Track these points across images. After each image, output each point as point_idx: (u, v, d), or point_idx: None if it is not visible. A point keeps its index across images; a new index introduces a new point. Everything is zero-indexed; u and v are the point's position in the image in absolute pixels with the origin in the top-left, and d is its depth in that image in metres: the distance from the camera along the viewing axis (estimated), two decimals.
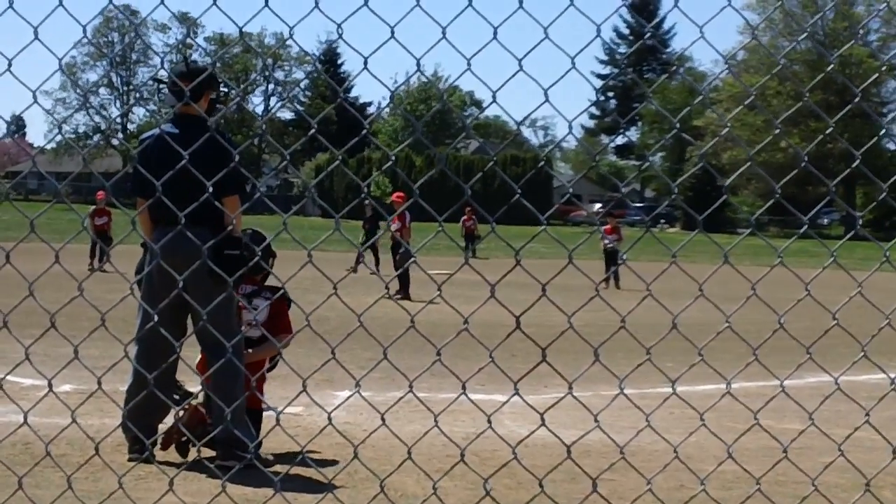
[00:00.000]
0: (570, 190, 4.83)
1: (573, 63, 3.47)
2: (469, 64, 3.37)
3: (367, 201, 38.90)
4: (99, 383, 4.03)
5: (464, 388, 3.71)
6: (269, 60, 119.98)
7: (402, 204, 24.94)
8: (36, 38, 3.84)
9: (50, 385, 4.27)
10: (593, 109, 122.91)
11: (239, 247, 7.43)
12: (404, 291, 24.23)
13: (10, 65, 3.86)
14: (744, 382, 8.97)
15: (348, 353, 11.43)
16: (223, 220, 7.44)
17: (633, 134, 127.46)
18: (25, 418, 4.40)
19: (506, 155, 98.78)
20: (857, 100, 4.61)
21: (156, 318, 6.96)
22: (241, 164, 5.63)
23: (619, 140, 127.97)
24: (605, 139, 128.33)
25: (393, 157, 3.61)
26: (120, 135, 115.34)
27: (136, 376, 7.61)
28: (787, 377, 4.99)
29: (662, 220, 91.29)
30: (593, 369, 4.39)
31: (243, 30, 4.06)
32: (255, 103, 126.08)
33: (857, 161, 4.04)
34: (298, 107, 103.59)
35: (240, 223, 7.87)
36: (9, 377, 7.03)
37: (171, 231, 7.18)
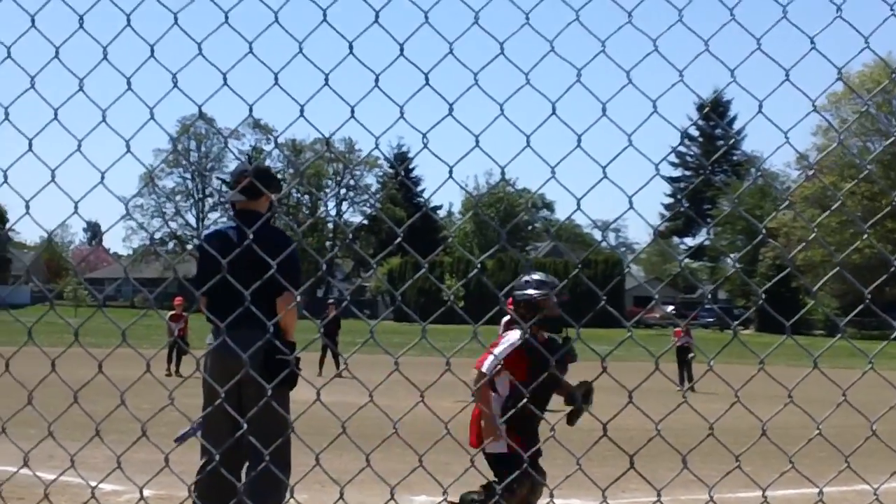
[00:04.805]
0: (657, 296, 4.83)
1: (657, 170, 3.51)
2: (553, 172, 3.42)
3: (330, 301, 39.13)
4: (190, 490, 4.06)
5: (551, 495, 3.71)
6: (340, 166, 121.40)
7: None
8: (128, 151, 3.95)
9: (141, 492, 4.34)
10: (664, 211, 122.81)
11: (290, 351, 7.42)
12: None
13: (102, 177, 3.97)
14: (827, 489, 8.84)
15: (425, 458, 11.33)
16: (279, 321, 7.27)
17: (704, 234, 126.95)
18: None
19: (575, 260, 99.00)
20: None
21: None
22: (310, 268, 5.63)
23: (690, 241, 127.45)
24: (676, 240, 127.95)
25: (479, 265, 3.65)
26: (196, 241, 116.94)
27: (202, 487, 7.29)
28: (883, 483, 4.91)
29: (736, 323, 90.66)
30: (668, 474, 4.37)
31: (316, 136, 4.14)
32: (328, 208, 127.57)
33: None
34: (381, 214, 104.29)
35: (293, 323, 7.79)
36: (79, 482, 7.05)
37: (226, 333, 7.23)
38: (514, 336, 8.59)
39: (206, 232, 8.24)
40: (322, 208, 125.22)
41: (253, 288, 4.37)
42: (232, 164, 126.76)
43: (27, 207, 4.04)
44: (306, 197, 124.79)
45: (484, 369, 8.54)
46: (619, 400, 3.56)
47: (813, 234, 3.68)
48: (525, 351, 8.36)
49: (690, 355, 32.19)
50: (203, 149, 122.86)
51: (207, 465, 7.40)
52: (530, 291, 8.76)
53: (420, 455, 3.67)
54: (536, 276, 9.04)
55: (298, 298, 5.21)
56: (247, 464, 7.52)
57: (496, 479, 7.90)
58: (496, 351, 8.57)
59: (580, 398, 8.24)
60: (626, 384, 3.78)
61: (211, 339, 7.64)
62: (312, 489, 10.40)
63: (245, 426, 6.91)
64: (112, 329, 3.94)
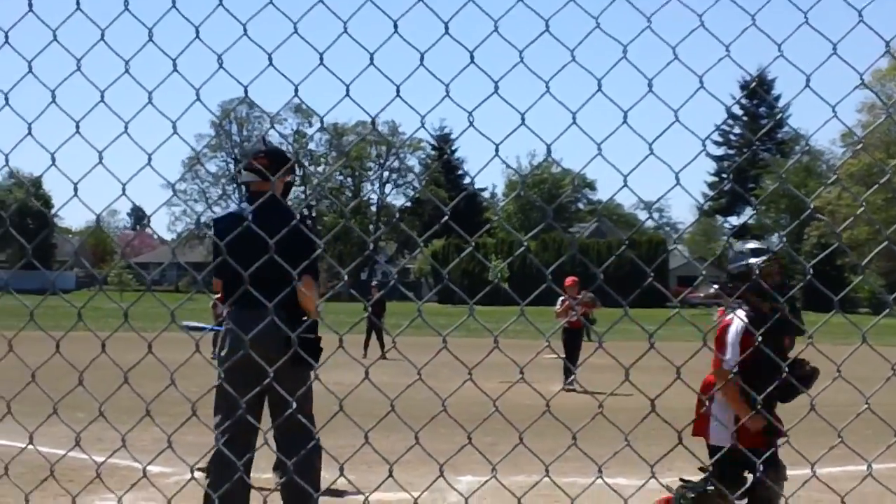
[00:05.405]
0: (703, 273, 4.79)
1: (703, 145, 3.49)
2: (600, 149, 3.40)
3: (373, 283, 39.06)
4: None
5: (600, 471, 3.70)
6: (383, 149, 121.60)
7: (576, 287, 23.99)
8: (175, 132, 3.95)
9: (192, 471, 4.39)
10: (708, 191, 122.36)
11: (315, 330, 7.43)
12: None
13: (150, 159, 3.98)
14: (875, 465, 8.79)
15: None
16: (298, 300, 7.29)
17: (748, 213, 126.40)
18: None
19: (621, 239, 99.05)
20: None
21: (235, 405, 6.93)
22: (327, 250, 5.58)
23: (735, 220, 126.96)
24: (720, 219, 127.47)
25: (525, 243, 3.65)
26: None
27: (217, 466, 7.29)
28: None
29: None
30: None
31: (358, 119, 4.13)
32: (374, 187, 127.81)
33: None
34: (427, 193, 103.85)
35: (312, 302, 7.65)
36: (128, 464, 7.00)
37: (245, 314, 7.16)
38: (738, 321, 7.66)
39: (219, 214, 8.20)
40: (366, 189, 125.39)
41: (297, 271, 4.38)
42: None
43: (75, 190, 4.06)
44: (349, 180, 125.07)
45: (728, 365, 7.45)
46: (666, 379, 3.54)
47: (861, 209, 3.63)
48: (747, 328, 7.47)
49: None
50: (245, 132, 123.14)
51: (225, 442, 7.35)
52: (750, 261, 7.84)
53: (469, 432, 3.67)
54: (751, 245, 8.14)
55: (347, 277, 5.18)
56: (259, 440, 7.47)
57: (712, 469, 7.25)
58: (729, 340, 7.62)
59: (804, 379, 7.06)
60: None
61: (228, 321, 7.62)
62: (359, 470, 10.46)
63: (269, 405, 7.02)
64: (158, 313, 3.96)
